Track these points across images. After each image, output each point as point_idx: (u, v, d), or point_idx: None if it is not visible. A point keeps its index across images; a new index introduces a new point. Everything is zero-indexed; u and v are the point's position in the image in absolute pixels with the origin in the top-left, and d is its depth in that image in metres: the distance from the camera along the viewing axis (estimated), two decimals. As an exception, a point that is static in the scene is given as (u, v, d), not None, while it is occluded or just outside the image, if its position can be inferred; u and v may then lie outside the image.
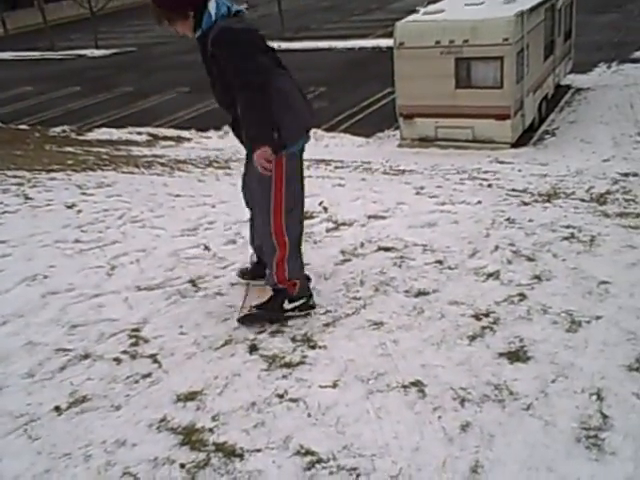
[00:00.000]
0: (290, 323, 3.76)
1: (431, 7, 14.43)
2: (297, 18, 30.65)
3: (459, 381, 3.13)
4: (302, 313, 3.78)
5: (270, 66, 3.33)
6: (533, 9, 12.96)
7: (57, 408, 3.08)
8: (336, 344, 3.52)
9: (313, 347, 3.51)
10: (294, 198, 3.55)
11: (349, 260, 4.60)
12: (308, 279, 3.88)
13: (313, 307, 3.83)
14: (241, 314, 3.77)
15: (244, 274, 4.19)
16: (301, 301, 3.77)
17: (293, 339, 3.61)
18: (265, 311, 3.74)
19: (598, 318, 3.63)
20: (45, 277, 4.45)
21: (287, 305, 3.75)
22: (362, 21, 29.41)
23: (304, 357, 3.42)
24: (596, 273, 4.19)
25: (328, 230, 5.20)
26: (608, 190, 7.05)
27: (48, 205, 6.12)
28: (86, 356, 3.51)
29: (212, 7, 3.23)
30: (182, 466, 2.68)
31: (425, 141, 12.95)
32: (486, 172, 8.91)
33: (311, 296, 3.84)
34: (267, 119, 3.21)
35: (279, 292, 3.74)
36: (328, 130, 14.36)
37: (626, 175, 8.30)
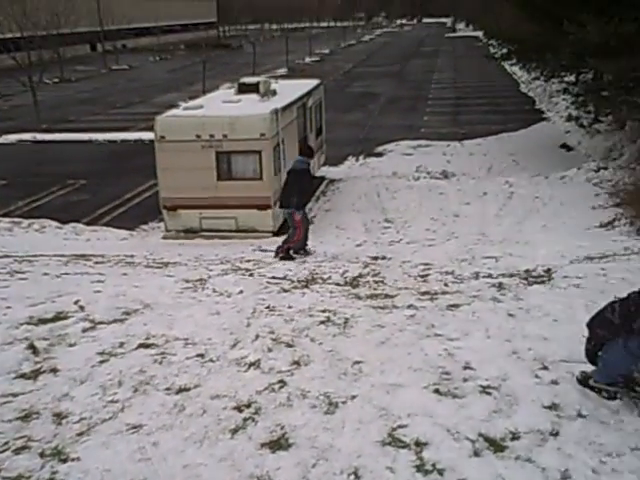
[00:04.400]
0: (38, 437, 3.44)
1: (191, 102, 14.82)
2: (54, 109, 29.60)
3: (221, 478, 3.07)
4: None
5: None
6: (286, 107, 13.86)
7: None
8: (91, 454, 3.29)
9: (64, 460, 3.24)
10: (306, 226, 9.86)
11: (107, 360, 4.38)
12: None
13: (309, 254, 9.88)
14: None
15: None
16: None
17: (42, 454, 3.30)
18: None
19: (353, 397, 3.81)
20: None
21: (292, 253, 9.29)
22: (124, 114, 29.22)
23: (54, 473, 3.15)
24: (350, 354, 4.41)
25: (84, 330, 4.93)
26: (360, 273, 7.55)
27: None
28: None
29: None
30: None
31: (190, 232, 12.97)
32: (249, 261, 9.13)
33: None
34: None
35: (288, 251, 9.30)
36: (89, 224, 13.77)
37: (375, 258, 8.98)
